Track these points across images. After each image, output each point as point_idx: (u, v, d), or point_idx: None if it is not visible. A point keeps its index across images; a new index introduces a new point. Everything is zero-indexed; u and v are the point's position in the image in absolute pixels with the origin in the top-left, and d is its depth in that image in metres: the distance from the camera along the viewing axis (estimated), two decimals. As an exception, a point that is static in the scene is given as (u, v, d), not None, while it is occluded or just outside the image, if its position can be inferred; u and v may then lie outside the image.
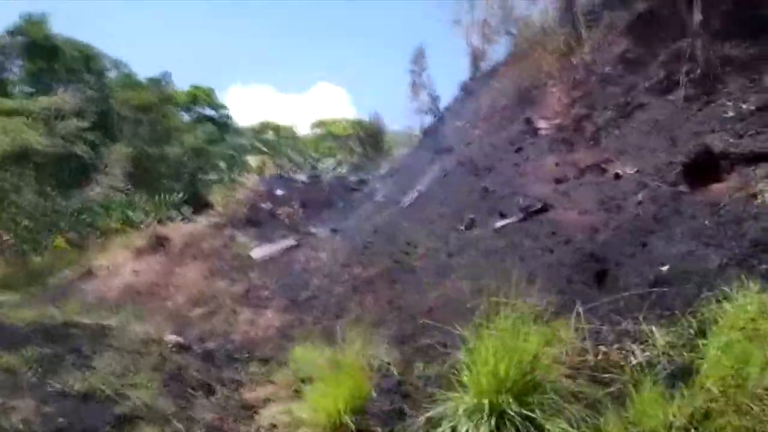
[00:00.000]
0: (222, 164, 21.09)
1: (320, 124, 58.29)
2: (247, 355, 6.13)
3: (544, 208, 6.96)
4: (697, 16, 7.93)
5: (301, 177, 16.06)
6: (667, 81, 8.54)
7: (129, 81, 34.27)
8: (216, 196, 19.40)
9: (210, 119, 47.57)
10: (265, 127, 60.14)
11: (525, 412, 2.11)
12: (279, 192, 14.98)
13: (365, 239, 10.18)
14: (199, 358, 5.96)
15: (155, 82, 35.30)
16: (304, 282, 8.88)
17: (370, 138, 19.21)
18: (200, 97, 47.00)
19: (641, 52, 9.91)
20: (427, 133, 16.56)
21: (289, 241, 11.50)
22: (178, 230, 13.43)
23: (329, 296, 7.89)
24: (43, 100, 22.84)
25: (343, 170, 18.38)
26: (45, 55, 28.54)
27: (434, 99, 17.21)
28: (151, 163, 30.14)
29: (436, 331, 5.54)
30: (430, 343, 5.08)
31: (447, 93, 18.11)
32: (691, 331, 2.57)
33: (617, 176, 6.73)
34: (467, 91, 16.08)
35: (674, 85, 8.31)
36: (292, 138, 22.37)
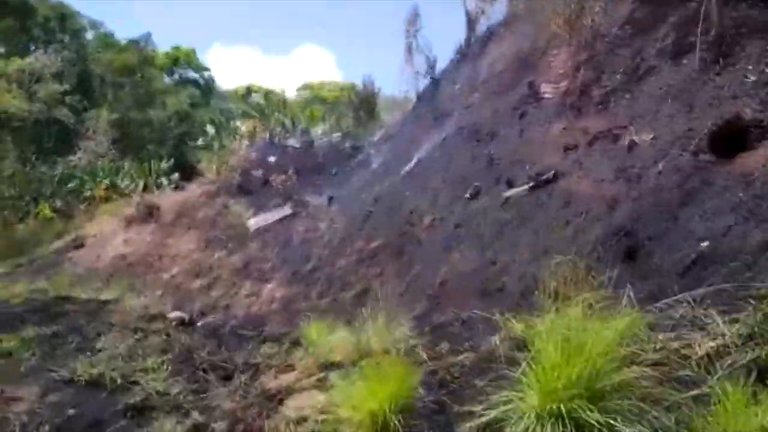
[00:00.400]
0: (210, 129, 20.42)
1: (307, 87, 57.01)
2: (255, 332, 5.95)
3: (555, 177, 6.76)
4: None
5: (294, 143, 15.63)
6: (679, 44, 8.22)
7: (108, 42, 32.97)
8: (205, 163, 18.97)
9: (193, 82, 46.22)
10: (250, 90, 58.71)
11: (604, 418, 1.93)
12: (271, 159, 14.59)
13: (365, 209, 9.94)
14: (206, 336, 5.77)
15: (135, 44, 34.05)
16: (304, 254, 8.67)
17: (362, 103, 18.69)
18: (182, 58, 45.55)
19: (649, 13, 9.55)
20: (422, 97, 16.10)
21: (285, 210, 11.23)
22: (168, 199, 13.07)
23: (333, 269, 7.71)
24: (18, 62, 21.84)
25: (336, 136, 17.92)
26: (17, 13, 27.17)
27: (430, 62, 16.63)
28: (135, 129, 29.38)
29: (451, 307, 5.42)
30: (448, 320, 4.94)
31: (443, 56, 17.46)
32: (759, 318, 2.40)
33: (632, 144, 6.53)
34: (463, 54, 15.58)
35: (687, 49, 7.99)
36: (282, 102, 21.65)
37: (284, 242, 9.49)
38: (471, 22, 17.38)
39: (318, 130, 18.70)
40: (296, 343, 5.12)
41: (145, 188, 18.81)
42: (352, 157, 14.78)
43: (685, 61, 7.88)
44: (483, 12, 17.40)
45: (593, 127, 7.65)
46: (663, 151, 5.92)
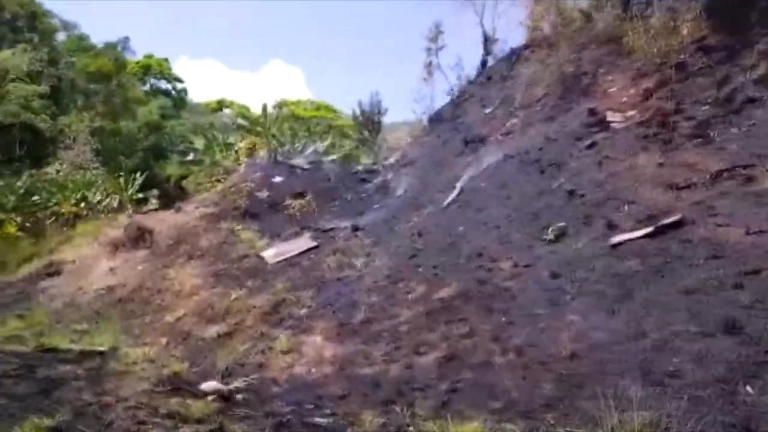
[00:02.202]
0: (197, 143, 18.75)
1: (283, 104, 55.53)
2: (329, 419, 4.45)
3: (680, 222, 5.61)
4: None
5: (301, 163, 14.18)
6: (779, 73, 7.34)
7: (82, 45, 30.85)
8: (193, 180, 17.26)
9: (164, 92, 44.15)
10: (221, 104, 56.80)
11: None
12: (277, 179, 13.11)
13: (407, 244, 8.60)
14: (265, 427, 4.24)
15: (111, 48, 31.99)
16: (348, 298, 7.23)
17: (367, 122, 17.47)
18: (154, 67, 43.52)
19: (727, 40, 8.71)
20: (440, 119, 15.01)
21: (306, 241, 9.77)
22: (162, 221, 11.37)
23: (394, 322, 6.29)
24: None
25: (335, 156, 16.60)
26: (-18, 8, 25.00)
27: (452, 83, 15.61)
28: (105, 139, 27.24)
29: (598, 393, 4.10)
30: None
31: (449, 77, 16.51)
32: None
33: (777, 186, 5.48)
34: (487, 75, 14.62)
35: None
36: (283, 118, 20.14)
37: (316, 281, 8.01)
38: (487, 43, 16.52)
39: (317, 149, 17.29)
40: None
41: (120, 205, 16.99)
42: (366, 181, 13.47)
43: (797, 93, 6.94)
44: (495, 35, 16.59)
45: (703, 163, 6.58)
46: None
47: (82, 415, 4.14)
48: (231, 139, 18.07)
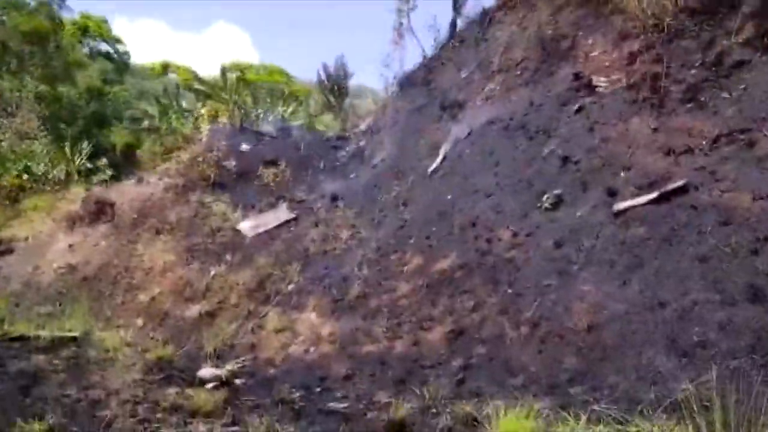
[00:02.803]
0: (151, 110, 17.59)
1: (233, 67, 53.20)
2: (345, 403, 4.16)
3: (684, 188, 5.54)
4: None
5: (268, 129, 13.50)
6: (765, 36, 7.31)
7: (13, 2, 28.24)
8: (150, 150, 16.28)
9: (105, 55, 41.45)
10: (166, 67, 53.95)
11: None
12: (244, 147, 12.45)
13: (394, 214, 8.32)
14: (280, 416, 3.91)
15: (46, 5, 29.46)
16: (338, 272, 6.92)
17: (333, 87, 16.79)
18: (92, 28, 40.64)
19: (709, 2, 8.61)
20: (410, 85, 14.55)
21: (284, 212, 9.33)
22: (123, 193, 10.62)
23: (393, 296, 6.04)
24: None
25: (306, 122, 15.96)
26: None
27: (436, 41, 15.01)
28: (48, 106, 25.34)
29: (630, 367, 4.00)
30: (643, 390, 3.51)
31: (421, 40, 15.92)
32: None
33: (782, 151, 5.45)
34: (459, 38, 14.20)
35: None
36: (243, 82, 19.03)
37: (300, 255, 7.64)
38: (457, 3, 16.06)
39: (279, 114, 16.57)
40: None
41: (68, 177, 15.91)
42: (339, 149, 12.99)
43: (785, 56, 6.95)
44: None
45: (699, 128, 6.52)
46: None
47: (73, 414, 3.72)
48: (186, 105, 17.05)
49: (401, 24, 14.71)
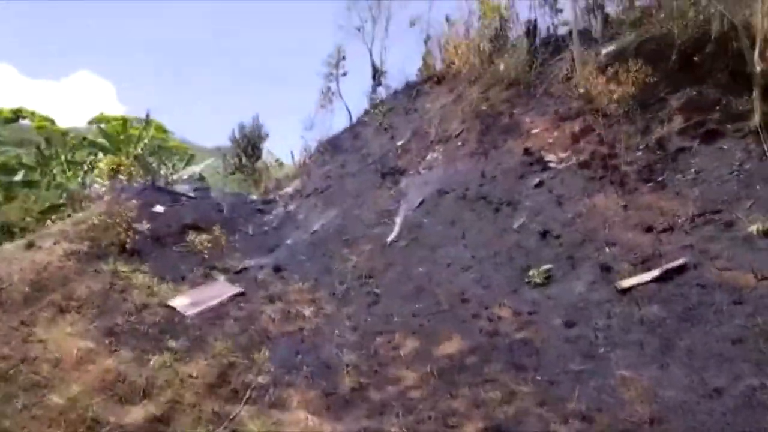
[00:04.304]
0: (26, 160, 15.11)
1: (102, 119, 49.36)
2: None
3: (684, 266, 5.66)
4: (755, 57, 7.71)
5: (183, 188, 12.14)
6: (700, 127, 8.15)
7: None
8: (28, 209, 13.82)
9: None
10: (18, 113, 48.50)
11: None
12: (159, 208, 11.01)
13: (360, 288, 7.65)
14: None
15: None
16: (318, 358, 6.02)
17: (248, 146, 15.84)
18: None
19: (639, 94, 9.48)
20: (335, 149, 14.23)
21: (225, 286, 8.17)
22: (8, 262, 8.61)
23: (398, 387, 5.28)
24: None
25: (221, 183, 14.78)
26: None
27: (349, 110, 14.93)
28: None
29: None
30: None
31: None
32: None
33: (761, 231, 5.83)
34: (387, 107, 14.31)
35: (714, 133, 7.94)
36: (140, 136, 17.05)
37: (262, 337, 6.59)
38: (377, 75, 16.39)
39: (190, 174, 15.22)
40: None
41: None
42: (265, 213, 12.04)
43: (724, 146, 7.74)
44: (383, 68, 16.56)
45: (669, 207, 6.89)
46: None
47: None
48: (73, 157, 14.97)
49: (329, 88, 14.52)
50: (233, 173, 15.69)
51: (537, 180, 8.55)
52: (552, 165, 8.91)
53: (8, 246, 9.47)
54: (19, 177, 14.11)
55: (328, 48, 22.11)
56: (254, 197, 12.82)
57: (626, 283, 5.76)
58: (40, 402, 5.76)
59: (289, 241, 10.34)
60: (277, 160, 15.58)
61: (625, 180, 7.79)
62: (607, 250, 6.55)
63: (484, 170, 9.54)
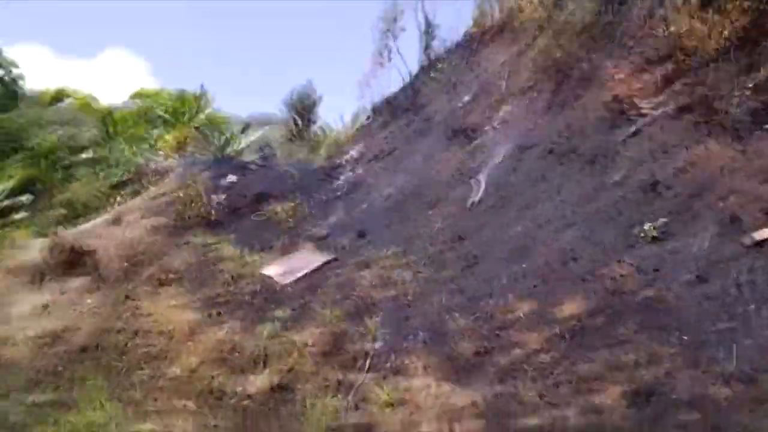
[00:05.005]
0: (89, 136, 15.35)
1: (140, 95, 49.78)
2: None
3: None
4: None
5: (250, 158, 12.10)
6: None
7: None
8: (96, 186, 14.08)
9: (-10, 80, 37.06)
10: (60, 94, 49.41)
11: None
12: (230, 179, 11.01)
13: (452, 251, 7.45)
14: None
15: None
16: (428, 322, 5.90)
17: (303, 111, 15.65)
18: (-21, 50, 36.16)
19: (745, 30, 8.68)
20: (394, 110, 13.84)
21: (316, 254, 8.12)
22: (102, 238, 8.79)
23: (522, 350, 5.12)
24: None
25: (275, 151, 14.68)
26: None
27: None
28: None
29: None
30: None
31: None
32: None
33: None
34: (446, 63, 13.76)
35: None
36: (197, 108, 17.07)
37: (366, 304, 6.51)
38: (430, 30, 15.75)
39: (248, 143, 15.16)
40: None
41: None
42: (333, 179, 11.89)
43: None
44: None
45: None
46: None
47: None
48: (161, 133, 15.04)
49: (385, 46, 14.02)
50: (290, 140, 15.55)
51: (632, 129, 8.04)
52: (646, 112, 8.35)
53: (96, 221, 9.65)
54: (85, 155, 14.34)
55: (376, 6, 21.38)
56: (319, 164, 12.66)
57: (760, 235, 5.35)
58: (162, 374, 5.89)
59: (364, 206, 10.19)
60: (328, 128, 15.31)
61: (735, 124, 7.22)
62: (731, 199, 6.10)
63: (569, 122, 9.06)
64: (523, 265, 6.46)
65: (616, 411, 4.24)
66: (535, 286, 5.97)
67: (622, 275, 5.68)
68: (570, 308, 5.42)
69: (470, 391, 4.81)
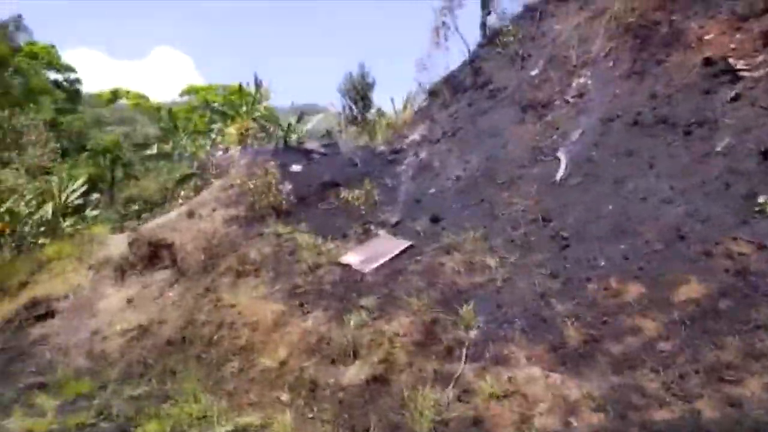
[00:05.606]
0: (153, 131, 15.68)
1: (191, 90, 50.77)
2: None
3: None
4: None
5: (314, 146, 11.98)
6: None
7: (-34, 24, 25.56)
8: (164, 181, 14.35)
9: (54, 83, 38.62)
10: (116, 94, 51.06)
11: None
12: (296, 168, 10.90)
13: (539, 232, 7.06)
14: None
15: (2, 28, 26.89)
16: (524, 309, 5.57)
17: (359, 94, 15.43)
18: (41, 55, 37.70)
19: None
20: (455, 88, 13.39)
21: (394, 241, 7.89)
22: (179, 231, 8.87)
23: (636, 338, 4.73)
24: None
25: (325, 136, 14.54)
26: None
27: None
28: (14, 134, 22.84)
29: None
30: None
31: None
32: None
33: None
34: (508, 36, 13.15)
35: None
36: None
37: (453, 291, 6.23)
38: (487, 2, 15.09)
39: (307, 129, 15.04)
40: None
41: (54, 217, 13.76)
42: (397, 163, 11.60)
43: None
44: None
45: None
46: None
47: None
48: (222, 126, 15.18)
49: (443, 23, 13.53)
50: (347, 127, 15.36)
51: (732, 93, 7.36)
52: (745, 74, 7.64)
53: (170, 215, 9.75)
54: (149, 152, 14.63)
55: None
56: (381, 148, 12.39)
57: None
58: (252, 366, 5.82)
59: (432, 190, 9.88)
60: (385, 113, 14.99)
61: None
62: None
63: (653, 91, 8.42)
64: (622, 246, 6.01)
65: (760, 405, 3.81)
66: (640, 269, 5.52)
67: (741, 253, 5.17)
68: (686, 291, 4.97)
69: (584, 382, 4.48)
